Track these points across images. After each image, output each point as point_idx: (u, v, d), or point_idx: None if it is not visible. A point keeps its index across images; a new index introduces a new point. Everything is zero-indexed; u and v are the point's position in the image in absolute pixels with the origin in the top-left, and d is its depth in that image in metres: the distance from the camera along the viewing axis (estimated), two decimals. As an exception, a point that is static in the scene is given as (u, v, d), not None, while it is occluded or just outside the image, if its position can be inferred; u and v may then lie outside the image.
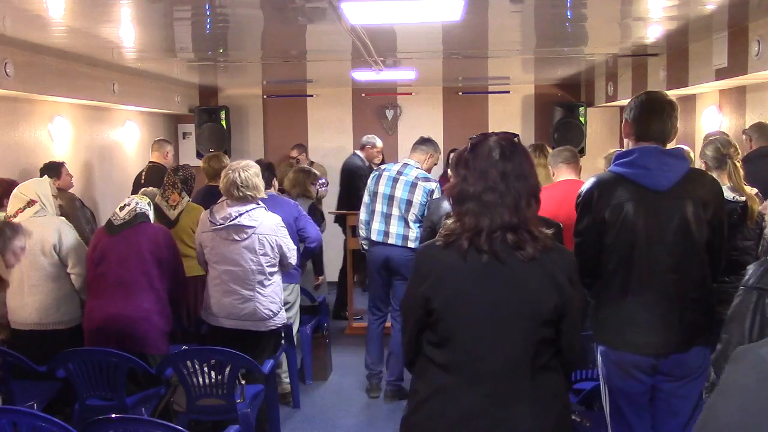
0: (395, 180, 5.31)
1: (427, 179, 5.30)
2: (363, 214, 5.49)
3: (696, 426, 1.30)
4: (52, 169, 5.67)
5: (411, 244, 5.24)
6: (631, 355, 2.88)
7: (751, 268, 2.11)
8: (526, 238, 2.11)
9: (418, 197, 5.21)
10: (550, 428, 2.15)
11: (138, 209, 4.25)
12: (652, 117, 2.90)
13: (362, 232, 5.52)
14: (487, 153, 2.16)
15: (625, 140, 3.08)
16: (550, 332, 2.16)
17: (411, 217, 5.24)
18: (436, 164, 5.59)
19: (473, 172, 2.17)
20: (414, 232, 5.25)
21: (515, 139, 2.23)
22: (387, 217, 5.32)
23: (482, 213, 2.13)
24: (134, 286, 4.17)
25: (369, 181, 5.50)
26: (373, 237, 5.38)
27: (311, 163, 8.91)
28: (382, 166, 5.60)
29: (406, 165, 5.38)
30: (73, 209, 5.57)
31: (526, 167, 2.18)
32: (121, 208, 4.26)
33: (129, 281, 4.17)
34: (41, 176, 5.55)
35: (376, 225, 5.36)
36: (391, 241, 5.30)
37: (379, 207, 5.34)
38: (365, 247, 5.58)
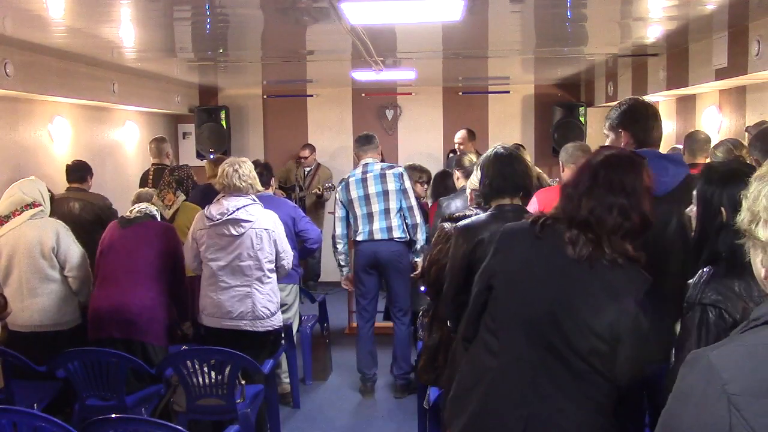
0: (364, 180, 5.41)
1: (391, 167, 5.49)
2: (339, 229, 5.51)
3: (656, 430, 1.32)
4: (88, 170, 5.70)
5: (395, 235, 5.36)
6: None
7: (690, 283, 2.10)
8: (588, 238, 2.12)
9: (392, 184, 5.37)
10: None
11: (148, 210, 4.50)
12: (652, 123, 2.90)
13: (339, 247, 5.54)
14: (594, 155, 2.26)
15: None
16: (606, 348, 2.10)
17: (392, 205, 5.34)
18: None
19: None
20: (396, 222, 5.34)
21: (637, 159, 2.25)
22: (369, 216, 5.39)
23: (562, 205, 2.20)
24: (140, 277, 4.28)
25: (338, 194, 5.51)
26: (359, 238, 5.43)
27: (318, 165, 8.95)
28: (346, 176, 5.58)
29: (366, 164, 5.48)
30: (110, 209, 5.61)
31: (625, 182, 2.17)
32: (132, 210, 4.50)
33: (136, 272, 4.28)
34: (74, 176, 5.61)
35: (361, 227, 5.41)
36: (376, 237, 5.38)
37: (359, 210, 5.40)
38: (342, 262, 5.60)
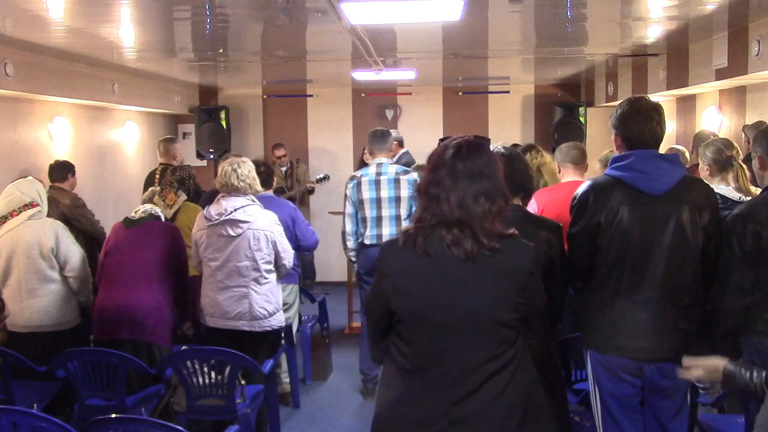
0: (377, 182, 5.30)
1: (406, 172, 5.36)
2: (348, 225, 5.42)
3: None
4: (68, 169, 5.73)
5: None
6: (619, 358, 2.87)
7: None
8: (467, 234, 2.11)
9: (405, 191, 5.27)
10: (515, 424, 2.13)
11: (152, 211, 4.52)
12: (642, 127, 2.88)
13: (350, 243, 5.46)
14: (441, 151, 2.22)
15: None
16: (512, 333, 2.15)
17: (402, 213, 5.27)
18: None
19: (428, 169, 2.23)
20: None
21: (482, 141, 2.25)
22: (378, 220, 5.32)
23: (428, 208, 2.17)
24: (146, 277, 4.27)
25: (348, 191, 5.38)
26: (367, 241, 5.35)
27: (292, 163, 8.85)
28: (358, 173, 5.46)
29: (380, 165, 5.36)
30: (79, 208, 5.64)
31: (482, 167, 2.18)
32: (137, 211, 4.51)
33: (141, 272, 4.27)
34: (55, 175, 5.68)
35: (369, 231, 5.33)
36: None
37: (369, 213, 5.31)
38: (353, 258, 5.55)
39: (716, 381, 2.38)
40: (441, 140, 2.29)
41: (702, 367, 2.38)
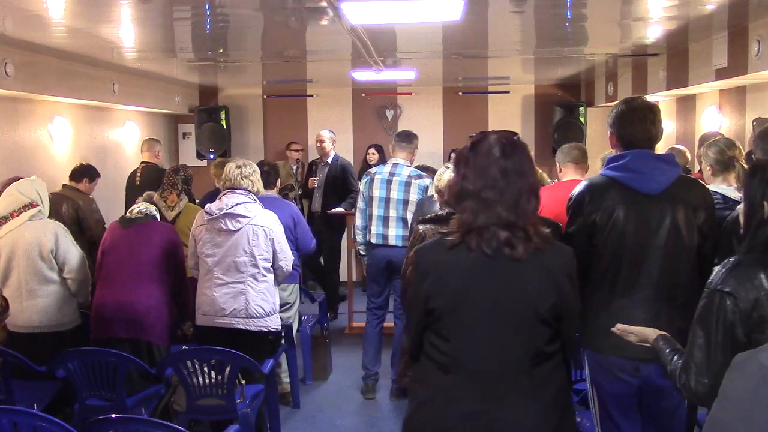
0: (389, 182, 5.36)
1: (419, 176, 5.38)
2: (359, 220, 5.53)
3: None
4: (86, 173, 5.86)
5: None
6: (616, 358, 2.87)
7: (714, 270, 2.11)
8: (520, 236, 2.13)
9: (414, 195, 5.29)
10: (553, 426, 2.16)
11: (148, 211, 4.52)
12: (636, 127, 2.90)
13: (359, 238, 5.56)
14: (487, 150, 2.19)
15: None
16: (549, 331, 2.17)
17: (409, 216, 5.28)
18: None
19: (473, 170, 2.19)
20: None
21: (515, 137, 2.25)
22: (385, 220, 5.36)
23: (480, 210, 2.15)
24: (144, 276, 4.29)
25: (362, 186, 5.52)
26: (373, 240, 5.42)
27: (303, 162, 8.85)
28: (372, 170, 5.57)
29: (396, 165, 5.43)
30: (92, 212, 5.71)
31: (527, 164, 2.20)
32: (132, 210, 4.53)
33: (139, 271, 4.29)
34: (72, 174, 5.81)
35: (375, 229, 5.40)
36: (391, 242, 5.34)
37: (376, 211, 5.38)
38: (362, 252, 5.62)
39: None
40: (471, 137, 2.27)
41: (634, 334, 2.40)
